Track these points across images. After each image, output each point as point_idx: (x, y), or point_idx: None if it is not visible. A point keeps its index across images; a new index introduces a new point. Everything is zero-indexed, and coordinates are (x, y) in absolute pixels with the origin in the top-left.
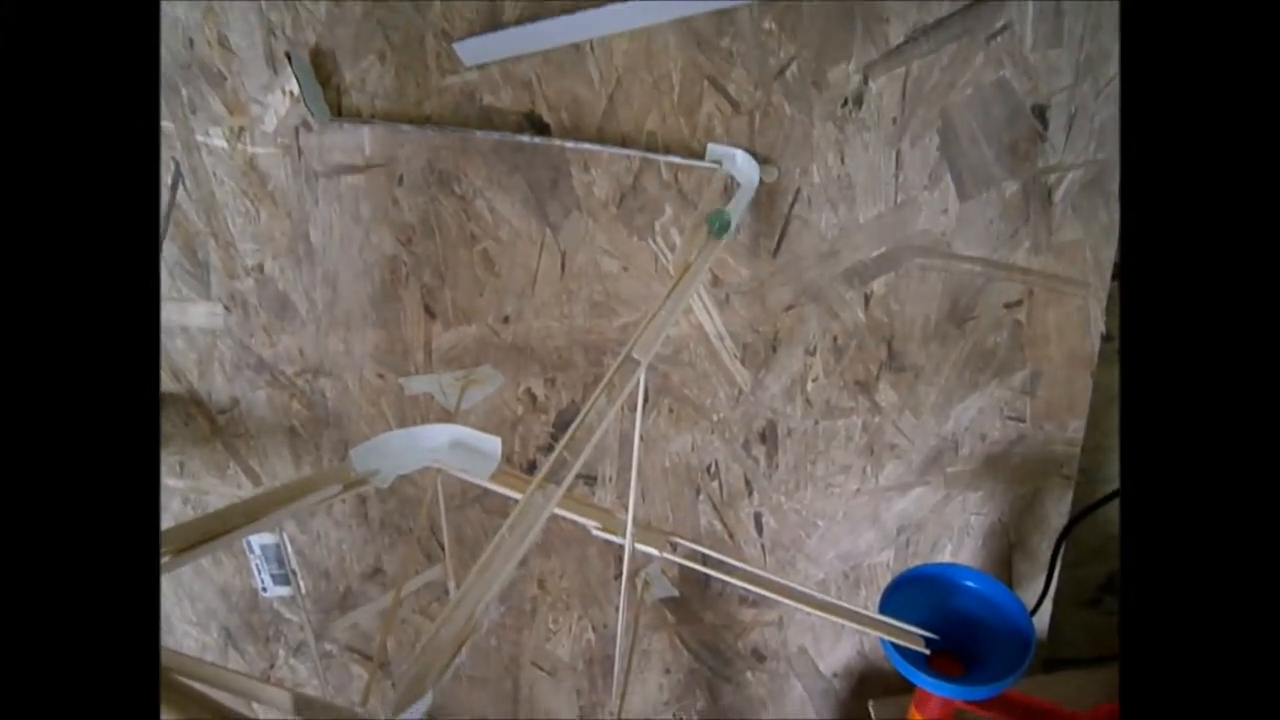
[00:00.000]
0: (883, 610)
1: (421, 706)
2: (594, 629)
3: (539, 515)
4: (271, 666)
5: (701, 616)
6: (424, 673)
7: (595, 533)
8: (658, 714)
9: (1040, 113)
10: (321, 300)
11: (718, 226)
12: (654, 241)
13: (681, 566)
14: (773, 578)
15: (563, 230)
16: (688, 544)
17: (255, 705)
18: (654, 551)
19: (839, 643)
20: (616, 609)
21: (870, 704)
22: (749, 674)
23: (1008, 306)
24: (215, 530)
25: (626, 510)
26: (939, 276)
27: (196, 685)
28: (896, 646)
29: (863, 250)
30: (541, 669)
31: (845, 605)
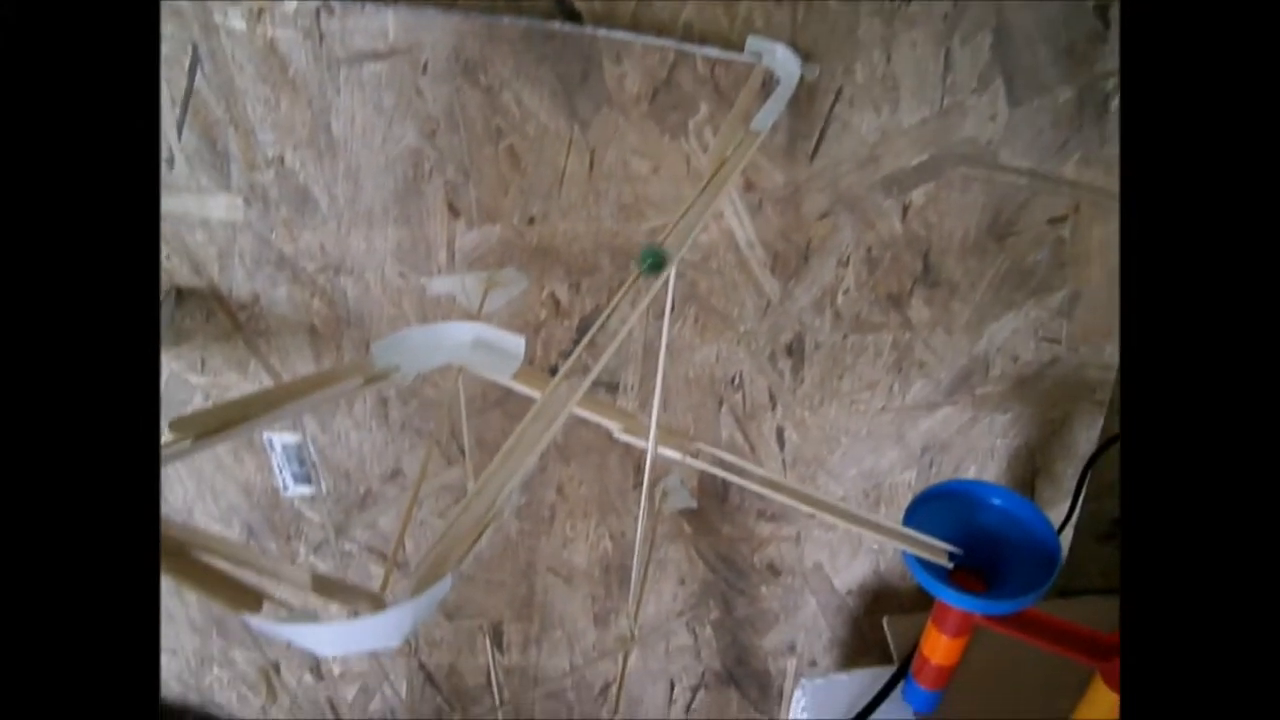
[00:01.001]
0: (907, 524)
1: (441, 590)
2: (611, 537)
3: (562, 406)
4: (292, 563)
5: (719, 529)
6: (444, 557)
7: (618, 435)
8: (670, 623)
9: (1102, 11)
10: (343, 195)
11: (649, 264)
12: (686, 142)
13: (701, 479)
14: (796, 486)
15: (592, 127)
16: (711, 449)
17: (276, 585)
18: (677, 455)
19: (855, 560)
20: (634, 518)
21: (885, 621)
22: (763, 588)
23: (1051, 222)
24: (236, 418)
25: (649, 415)
26: (981, 188)
27: (216, 561)
28: (919, 560)
29: (904, 157)
30: (557, 574)
31: (868, 516)
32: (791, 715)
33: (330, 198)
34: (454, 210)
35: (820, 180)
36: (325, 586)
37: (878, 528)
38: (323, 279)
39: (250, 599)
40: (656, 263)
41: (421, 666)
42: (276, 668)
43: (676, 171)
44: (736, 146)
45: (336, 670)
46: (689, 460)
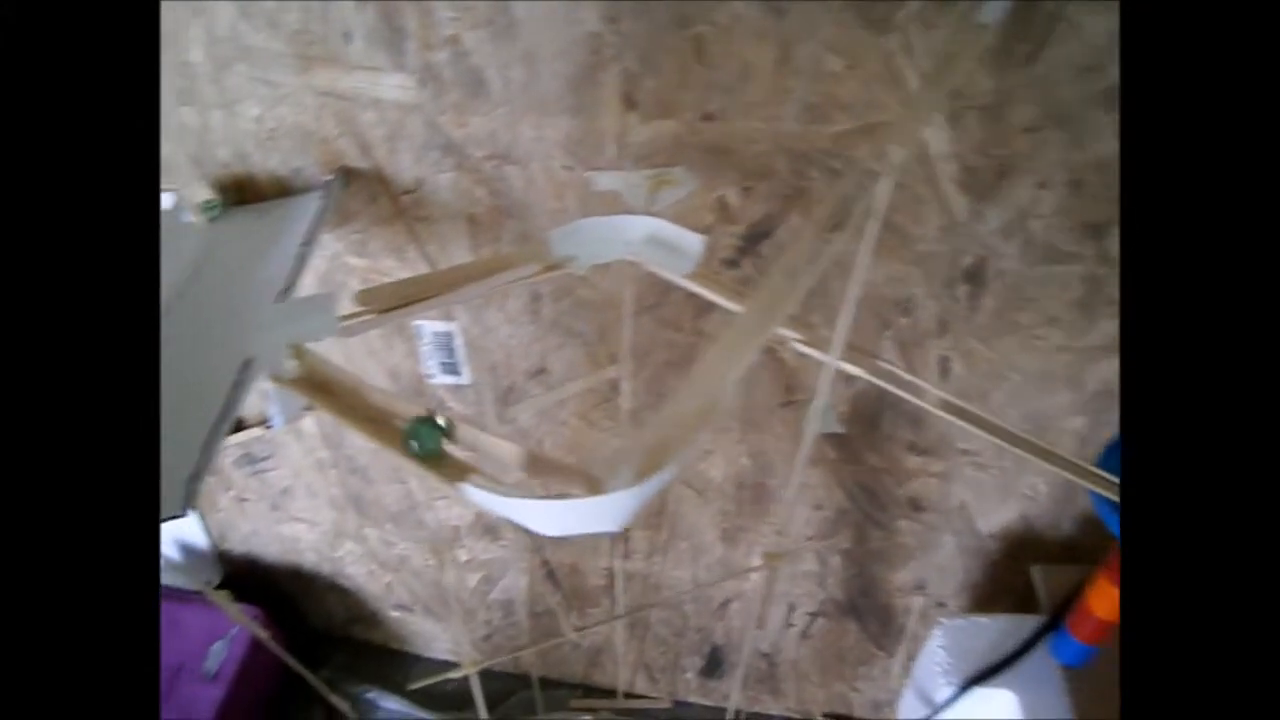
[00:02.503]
0: (1102, 466)
1: (664, 479)
2: (750, 454)
3: (784, 300)
4: None
5: (864, 458)
6: (664, 445)
7: (796, 345)
8: (799, 547)
9: None
10: (517, 80)
11: (421, 441)
12: (889, 39)
13: (854, 404)
14: (991, 418)
15: (788, 17)
16: (895, 369)
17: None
18: (858, 371)
19: (1004, 504)
20: (776, 437)
21: (1035, 570)
22: (901, 522)
23: None
24: (415, 295)
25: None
26: None
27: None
28: (1110, 504)
29: None
30: (691, 487)
31: (1068, 456)
32: (926, 651)
33: (504, 81)
34: (629, 102)
35: (1033, 89)
36: (538, 465)
37: (1076, 468)
38: (488, 167)
39: (458, 470)
40: (427, 445)
41: (545, 563)
42: (454, 539)
43: (874, 71)
44: (965, 45)
45: (463, 557)
46: (870, 376)
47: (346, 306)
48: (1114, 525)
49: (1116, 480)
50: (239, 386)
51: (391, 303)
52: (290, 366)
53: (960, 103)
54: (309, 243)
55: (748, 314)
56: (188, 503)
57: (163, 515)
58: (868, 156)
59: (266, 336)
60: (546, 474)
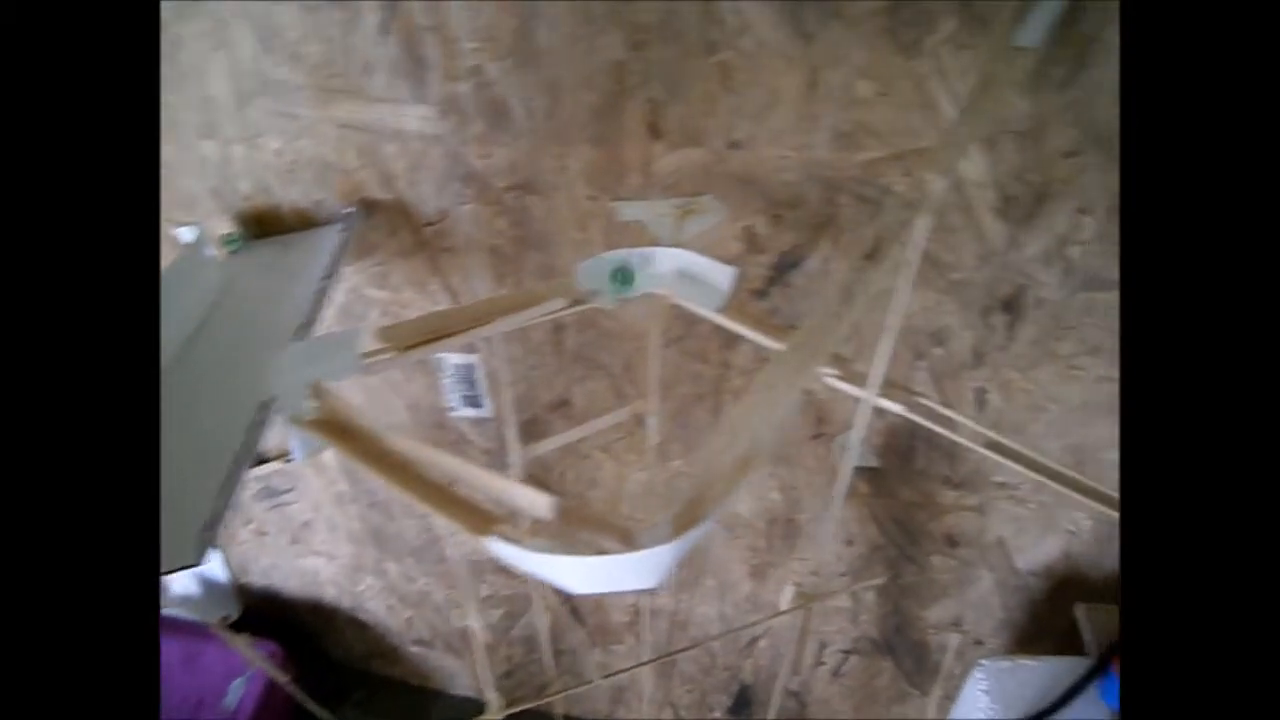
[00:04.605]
0: None
1: (702, 532)
2: (780, 489)
3: (826, 339)
4: (451, 485)
5: (897, 492)
6: (702, 498)
7: (831, 380)
8: (830, 585)
9: None
10: (540, 109)
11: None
12: (921, 63)
13: (887, 438)
14: (1027, 452)
15: (817, 42)
16: (933, 404)
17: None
18: (897, 408)
19: (1044, 539)
20: (807, 470)
21: (1079, 609)
22: (936, 558)
23: None
24: (438, 330)
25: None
26: None
27: (448, 483)
28: None
29: None
30: (719, 523)
31: (1109, 491)
32: (967, 694)
33: (527, 111)
34: (654, 130)
35: (1072, 112)
36: (571, 516)
37: (1117, 503)
38: (510, 197)
39: (483, 520)
40: (625, 279)
41: (568, 599)
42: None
43: (906, 97)
44: (998, 67)
45: (483, 592)
46: (907, 413)
47: (368, 343)
48: None
49: None
50: (256, 429)
51: (414, 339)
52: (310, 407)
53: (996, 128)
54: (329, 276)
55: (788, 354)
56: (201, 552)
57: (176, 565)
58: (900, 184)
59: (287, 376)
60: (579, 525)
